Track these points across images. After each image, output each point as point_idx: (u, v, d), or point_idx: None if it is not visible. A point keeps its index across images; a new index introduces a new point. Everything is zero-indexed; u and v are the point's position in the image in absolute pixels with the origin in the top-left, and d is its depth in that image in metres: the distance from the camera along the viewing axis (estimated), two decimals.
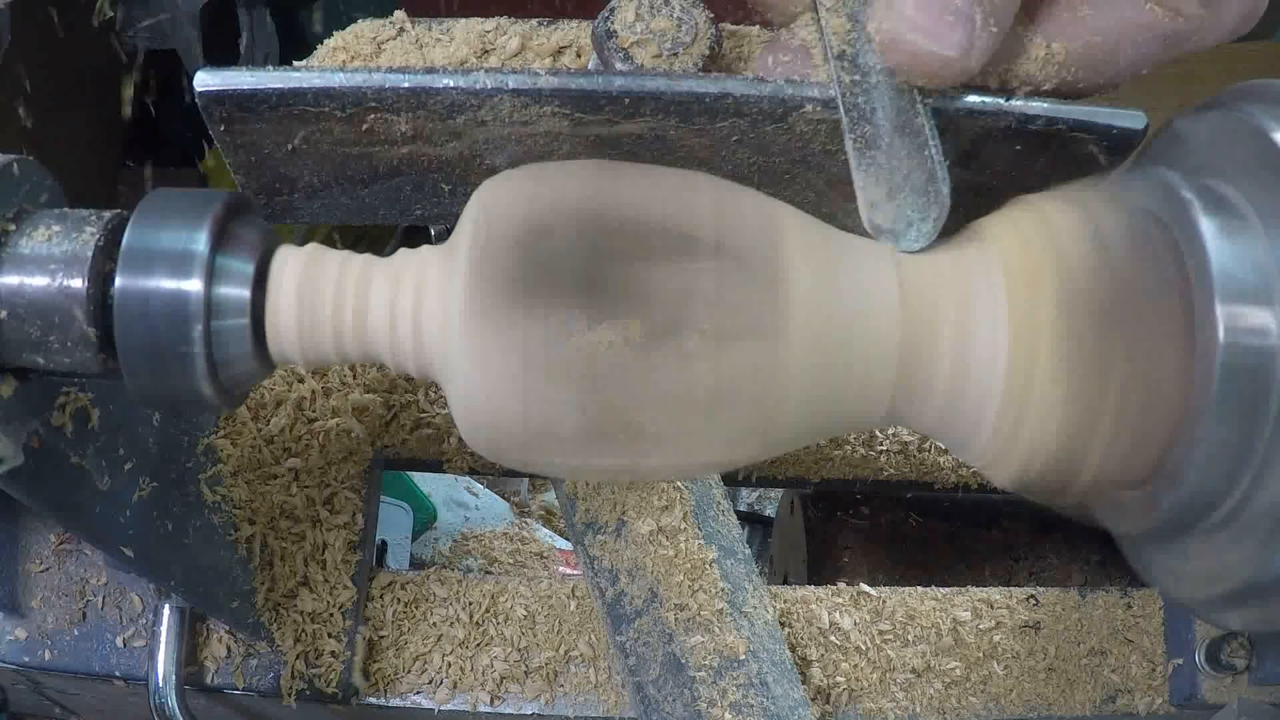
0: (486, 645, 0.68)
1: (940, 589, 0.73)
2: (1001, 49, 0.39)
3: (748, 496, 1.68)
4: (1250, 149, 0.36)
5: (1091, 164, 0.42)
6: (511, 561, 1.14)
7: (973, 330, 0.37)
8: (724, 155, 0.42)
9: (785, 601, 0.70)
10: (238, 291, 0.37)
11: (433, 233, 0.53)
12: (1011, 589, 0.74)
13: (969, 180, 0.44)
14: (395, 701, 0.67)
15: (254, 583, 0.64)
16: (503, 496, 1.28)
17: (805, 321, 0.36)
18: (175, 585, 0.55)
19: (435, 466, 0.74)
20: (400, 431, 0.71)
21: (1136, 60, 0.40)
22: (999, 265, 0.37)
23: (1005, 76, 0.40)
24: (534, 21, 0.46)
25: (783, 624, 0.69)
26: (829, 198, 0.45)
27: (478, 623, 0.69)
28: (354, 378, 0.70)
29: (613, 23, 0.42)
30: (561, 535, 1.23)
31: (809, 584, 0.74)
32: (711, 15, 0.42)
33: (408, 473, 1.04)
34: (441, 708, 0.67)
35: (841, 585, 0.72)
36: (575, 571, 1.10)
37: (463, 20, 0.46)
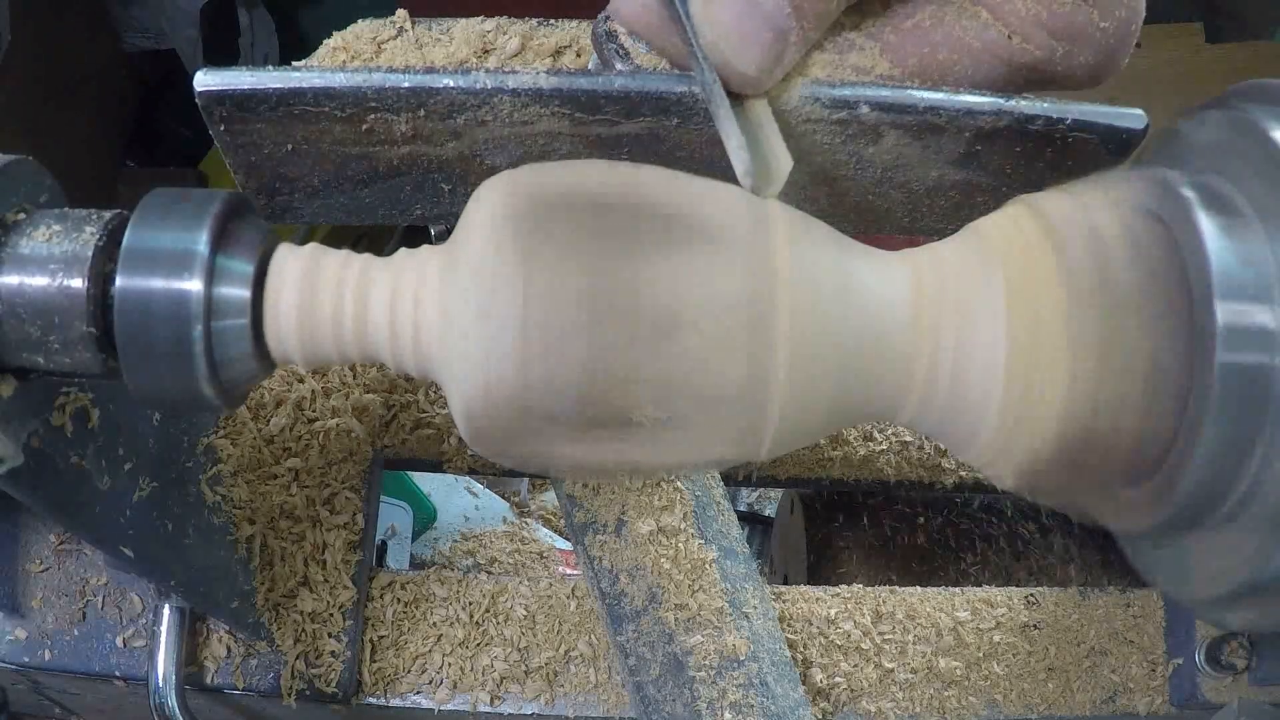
0: (486, 645, 0.68)
1: (940, 589, 0.73)
2: (832, 50, 0.40)
3: (748, 496, 1.68)
4: (1250, 148, 0.36)
5: (1092, 164, 0.42)
6: (511, 561, 1.14)
7: (973, 330, 0.37)
8: (724, 155, 0.42)
9: (785, 601, 0.70)
10: (238, 291, 0.37)
11: (433, 233, 0.53)
12: (1011, 589, 0.73)
13: (969, 180, 0.44)
14: (395, 701, 0.67)
15: (254, 583, 0.63)
16: (503, 496, 1.27)
17: (801, 320, 0.36)
18: (175, 585, 0.55)
19: (435, 466, 0.74)
20: (400, 431, 0.71)
21: (980, 81, 0.41)
22: (999, 265, 0.37)
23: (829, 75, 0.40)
24: (534, 21, 0.46)
25: (783, 624, 0.69)
26: (826, 196, 0.45)
27: (478, 623, 0.69)
28: (354, 378, 0.70)
29: (613, 23, 0.42)
30: (561, 535, 1.23)
31: (809, 584, 0.74)
32: None
33: (408, 473, 1.04)
34: (441, 708, 0.67)
35: (841, 585, 0.72)
36: (575, 571, 1.10)
37: (463, 20, 0.46)
